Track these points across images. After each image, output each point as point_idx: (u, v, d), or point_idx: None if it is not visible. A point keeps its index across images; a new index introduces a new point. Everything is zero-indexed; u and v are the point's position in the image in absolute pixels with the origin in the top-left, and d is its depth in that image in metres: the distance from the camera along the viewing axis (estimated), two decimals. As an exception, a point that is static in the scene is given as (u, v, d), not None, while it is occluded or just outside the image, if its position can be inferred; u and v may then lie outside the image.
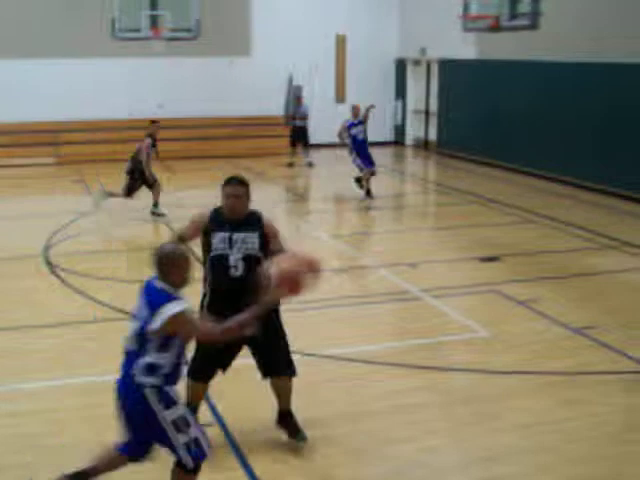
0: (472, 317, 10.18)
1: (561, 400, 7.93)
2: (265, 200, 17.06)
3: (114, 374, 5.63)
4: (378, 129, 25.14)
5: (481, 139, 22.72)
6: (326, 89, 26.93)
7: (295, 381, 6.98)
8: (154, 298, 5.45)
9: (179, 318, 5.36)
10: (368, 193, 17.73)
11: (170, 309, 5.35)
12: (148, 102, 24.90)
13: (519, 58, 21.00)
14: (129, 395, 5.49)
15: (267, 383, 6.93)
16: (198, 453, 5.55)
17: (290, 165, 23.04)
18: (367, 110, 17.75)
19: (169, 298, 5.41)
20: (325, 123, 25.07)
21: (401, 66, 27.67)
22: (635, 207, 16.99)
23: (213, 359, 6.78)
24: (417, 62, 27.10)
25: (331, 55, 27.04)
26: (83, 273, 11.98)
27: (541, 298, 10.75)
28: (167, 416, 5.46)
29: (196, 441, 5.54)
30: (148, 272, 5.64)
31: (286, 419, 6.95)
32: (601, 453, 6.89)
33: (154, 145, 16.15)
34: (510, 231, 14.78)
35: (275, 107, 26.43)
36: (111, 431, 6.24)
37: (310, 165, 23.01)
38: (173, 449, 5.52)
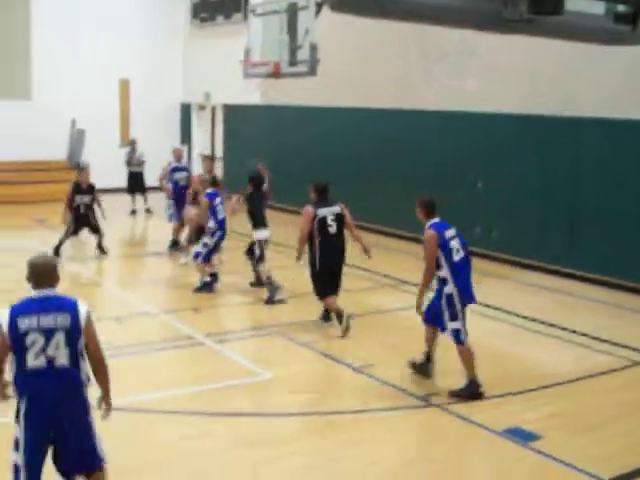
0: (255, 360, 10.25)
1: (344, 439, 8.08)
2: (46, 248, 16.59)
3: None
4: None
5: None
6: (111, 133, 26.57)
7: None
8: (66, 302, 5.77)
9: (91, 315, 5.85)
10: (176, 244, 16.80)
11: (84, 306, 5.82)
12: None
13: (300, 103, 21.61)
14: (75, 405, 5.72)
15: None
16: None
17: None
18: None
19: (75, 300, 5.82)
20: (108, 168, 24.75)
21: (186, 110, 27.73)
22: (410, 247, 17.65)
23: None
24: (202, 107, 27.26)
25: (115, 99, 26.75)
26: None
27: (323, 339, 10.95)
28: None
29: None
30: None
31: None
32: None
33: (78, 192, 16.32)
34: (295, 273, 14.98)
35: (58, 152, 25.83)
36: None
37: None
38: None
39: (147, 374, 9.92)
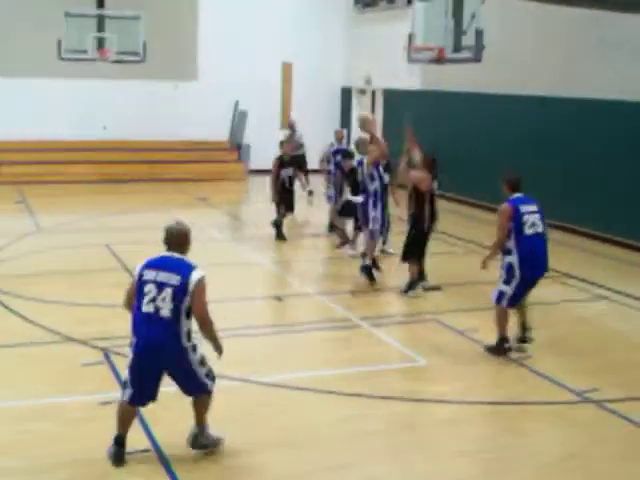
0: (411, 346, 10.25)
1: (498, 429, 8.04)
2: (207, 225, 17.08)
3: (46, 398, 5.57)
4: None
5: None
6: (271, 115, 27.00)
7: (235, 408, 6.96)
8: (182, 266, 6.69)
9: (202, 283, 6.65)
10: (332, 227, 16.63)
11: (197, 274, 6.63)
12: (93, 124, 24.81)
13: (462, 90, 21.40)
14: (173, 352, 6.66)
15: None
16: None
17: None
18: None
19: (193, 266, 6.71)
20: (269, 149, 25.19)
21: (347, 95, 27.89)
22: (571, 238, 17.27)
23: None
24: (362, 91, 27.35)
25: (277, 82, 27.15)
26: (21, 295, 11.83)
27: (480, 328, 10.85)
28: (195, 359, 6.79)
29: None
30: (93, 294, 5.64)
31: None
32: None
33: (283, 165, 16.50)
34: (452, 261, 14.90)
35: (220, 132, 26.46)
36: (43, 459, 6.19)
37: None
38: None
39: (304, 353, 10.10)
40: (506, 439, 7.82)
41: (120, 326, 10.30)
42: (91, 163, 24.10)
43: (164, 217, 15.34)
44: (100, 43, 22.03)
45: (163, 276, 6.62)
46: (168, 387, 7.14)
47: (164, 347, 6.65)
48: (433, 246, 13.41)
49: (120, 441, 6.85)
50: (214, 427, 7.16)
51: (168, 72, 25.48)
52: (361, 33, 26.89)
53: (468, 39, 14.45)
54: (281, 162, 16.50)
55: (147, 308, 6.64)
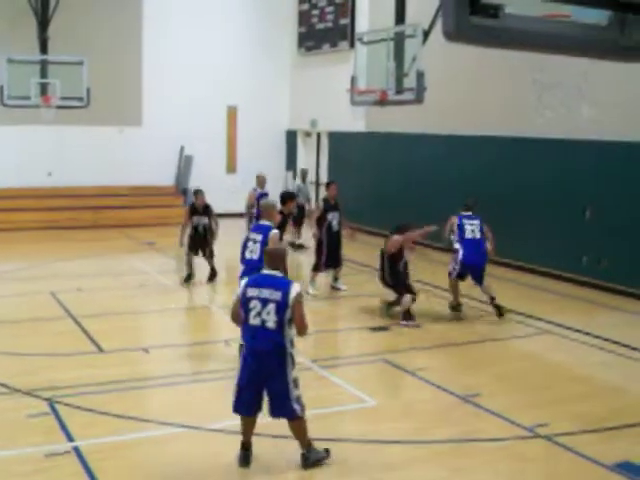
0: (361, 387, 10.23)
1: (449, 469, 8.01)
2: (154, 270, 16.96)
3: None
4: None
5: (370, 209, 23.07)
6: (217, 159, 27.06)
7: (179, 457, 6.83)
8: (282, 282, 7.55)
9: (300, 296, 7.53)
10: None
11: (295, 289, 7.49)
12: (38, 170, 24.62)
13: (405, 131, 21.64)
14: (276, 360, 7.47)
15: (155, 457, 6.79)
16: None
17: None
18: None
19: (291, 282, 7.62)
20: (216, 193, 25.19)
21: (292, 137, 28.04)
22: (518, 275, 17.45)
23: None
24: (307, 134, 27.52)
25: (223, 126, 27.23)
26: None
27: (428, 367, 10.89)
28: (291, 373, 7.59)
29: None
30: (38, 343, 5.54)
31: None
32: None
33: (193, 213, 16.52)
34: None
35: (166, 177, 26.42)
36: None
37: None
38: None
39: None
40: (458, 478, 7.82)
41: (66, 375, 10.23)
42: (36, 210, 23.88)
43: (111, 263, 15.29)
44: (43, 89, 21.89)
45: (266, 292, 7.49)
46: (116, 436, 7.06)
47: (270, 355, 7.46)
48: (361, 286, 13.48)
49: (244, 446, 7.84)
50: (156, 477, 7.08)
51: (113, 117, 25.45)
52: (305, 76, 27.13)
53: (410, 81, 14.67)
54: (192, 210, 16.50)
55: (254, 321, 7.52)
